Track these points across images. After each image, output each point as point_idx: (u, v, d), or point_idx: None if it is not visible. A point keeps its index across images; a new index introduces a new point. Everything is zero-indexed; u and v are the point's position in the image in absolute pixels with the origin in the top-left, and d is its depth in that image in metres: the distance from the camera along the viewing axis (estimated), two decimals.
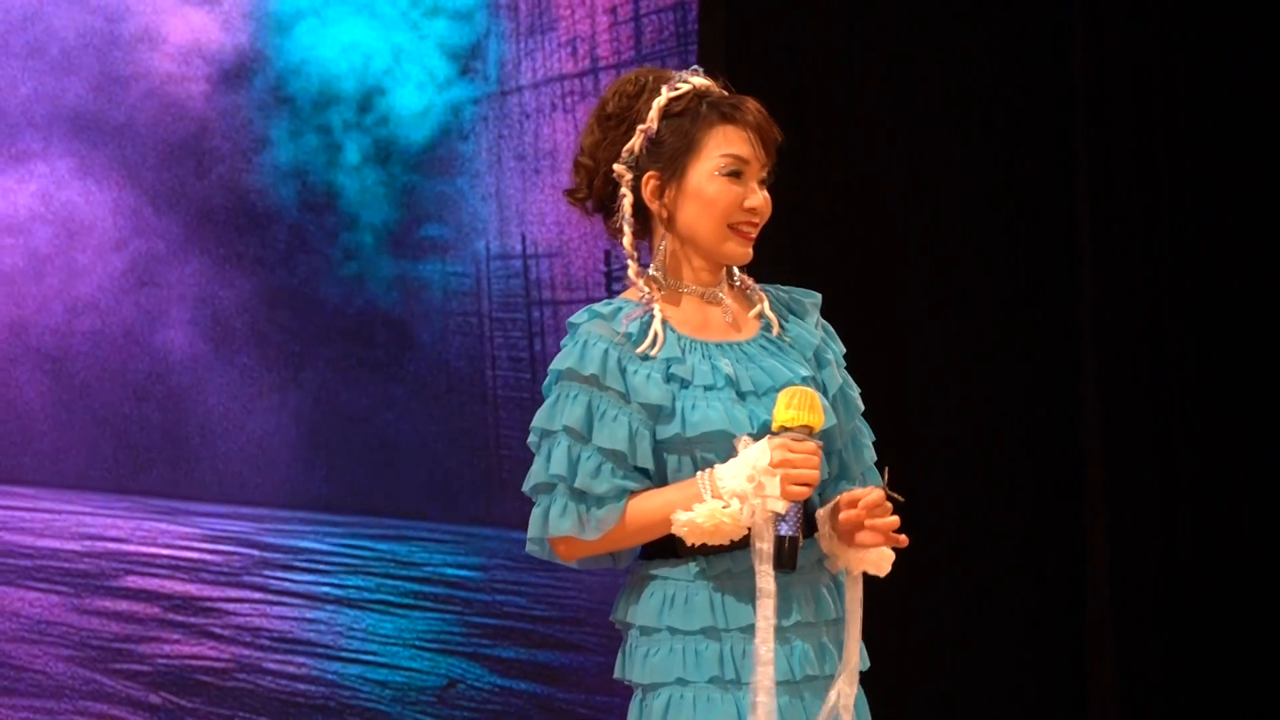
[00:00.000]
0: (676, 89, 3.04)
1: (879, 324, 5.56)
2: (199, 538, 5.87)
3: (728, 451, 2.91)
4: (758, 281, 3.15)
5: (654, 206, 3.04)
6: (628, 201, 3.04)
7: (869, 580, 3.00)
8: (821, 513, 2.98)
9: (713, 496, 2.87)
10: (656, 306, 3.01)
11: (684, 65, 5.89)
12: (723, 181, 3.02)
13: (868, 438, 3.14)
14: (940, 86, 5.73)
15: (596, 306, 3.02)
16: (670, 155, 3.02)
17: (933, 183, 5.73)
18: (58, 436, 5.83)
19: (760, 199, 3.04)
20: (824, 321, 3.18)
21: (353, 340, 5.94)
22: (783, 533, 2.86)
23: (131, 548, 5.82)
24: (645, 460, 2.93)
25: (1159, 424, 5.62)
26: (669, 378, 2.96)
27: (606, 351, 2.95)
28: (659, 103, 3.03)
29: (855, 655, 2.99)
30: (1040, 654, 5.68)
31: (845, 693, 2.96)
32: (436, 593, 5.86)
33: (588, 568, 3.07)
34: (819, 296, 3.19)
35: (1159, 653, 5.57)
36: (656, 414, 2.94)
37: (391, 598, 5.84)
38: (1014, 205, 5.75)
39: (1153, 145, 5.65)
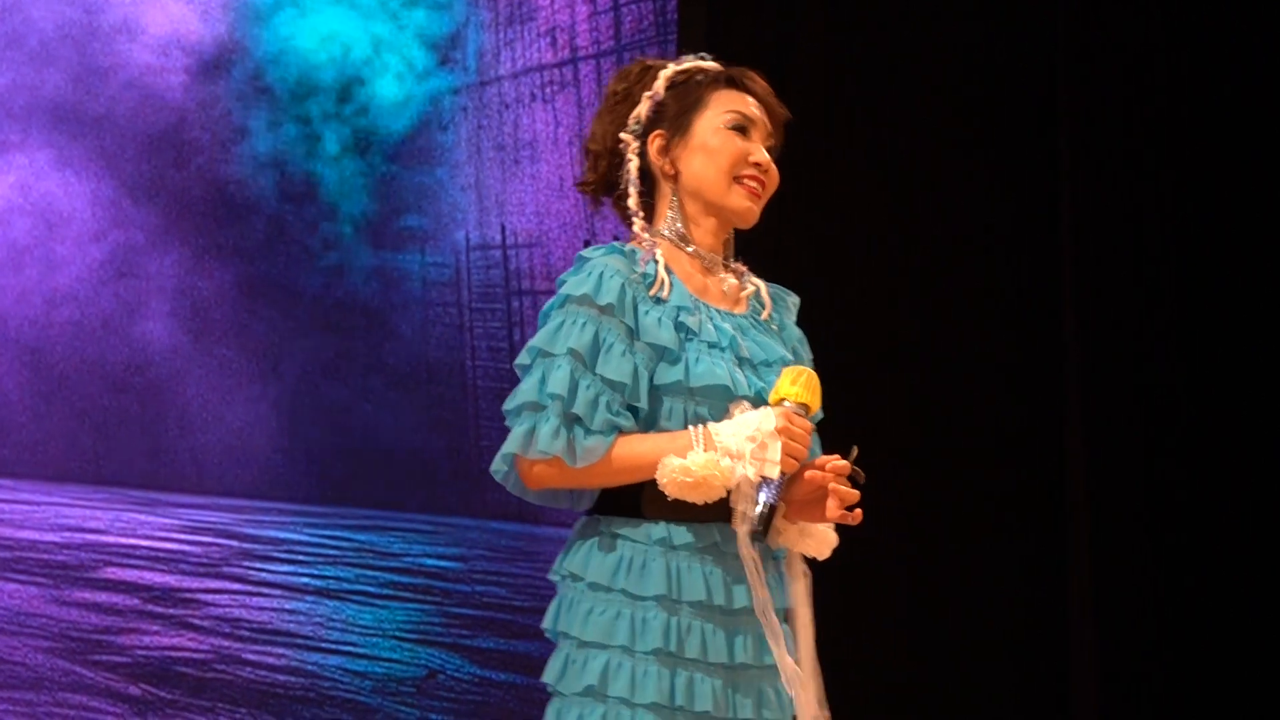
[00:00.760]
0: (682, 64, 3.09)
1: (863, 322, 5.57)
2: (178, 529, 5.86)
3: (722, 410, 2.92)
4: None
5: (660, 163, 3.05)
6: (633, 165, 3.04)
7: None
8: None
9: (706, 450, 2.87)
10: (659, 253, 3.01)
11: (664, 55, 5.90)
12: (728, 134, 3.04)
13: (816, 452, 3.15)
14: (925, 77, 5.73)
15: (611, 245, 3.01)
16: (676, 114, 3.05)
17: (916, 175, 5.73)
18: (36, 428, 5.82)
19: (766, 157, 3.06)
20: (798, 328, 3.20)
21: (332, 331, 5.93)
22: (768, 499, 2.87)
23: (110, 539, 5.81)
24: (642, 400, 2.92)
25: (1142, 428, 5.61)
26: (678, 325, 2.96)
27: (624, 286, 2.94)
28: (666, 73, 3.07)
29: (809, 658, 2.99)
30: (1024, 659, 5.67)
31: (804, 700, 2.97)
32: (416, 583, 5.85)
33: (545, 502, 3.03)
34: (799, 299, 3.21)
35: (1142, 660, 5.56)
36: (661, 356, 2.94)
37: (371, 588, 5.84)
38: (998, 199, 5.73)
39: (1137, 145, 5.65)
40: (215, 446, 5.87)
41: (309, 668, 5.71)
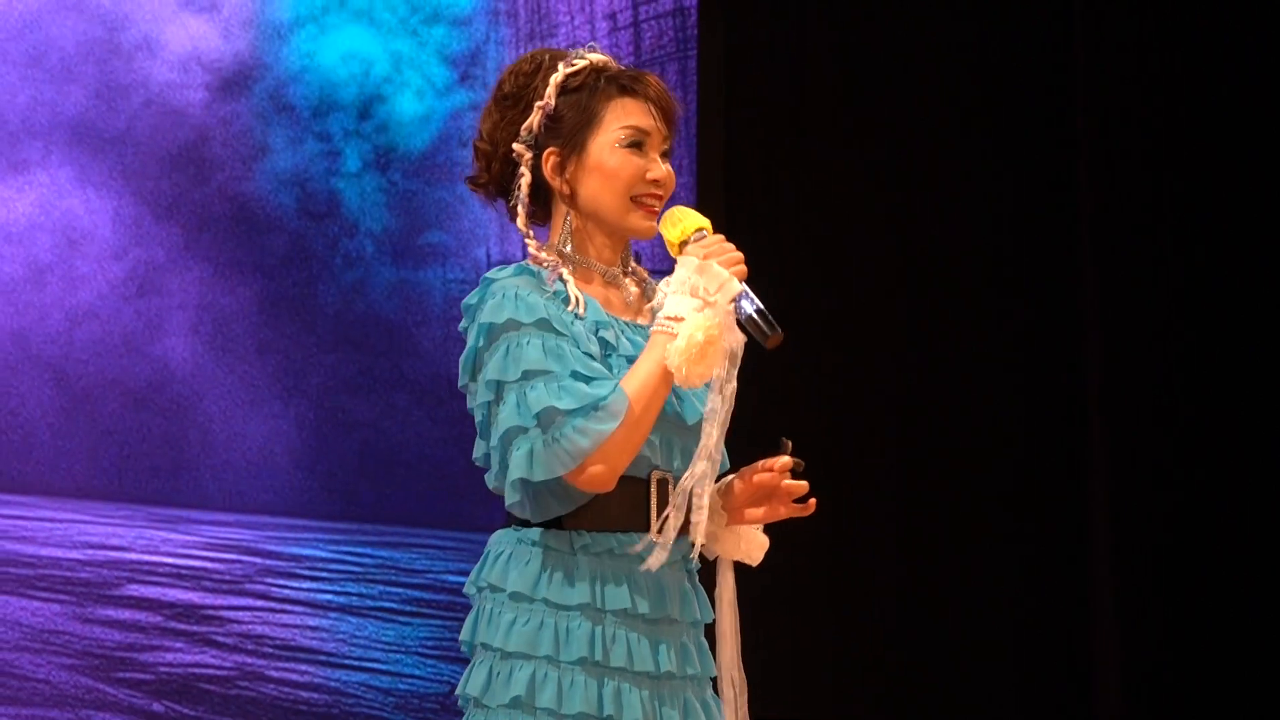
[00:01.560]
0: (573, 65, 2.99)
1: (883, 320, 5.58)
2: (200, 546, 5.86)
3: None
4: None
5: (555, 183, 2.99)
6: (525, 181, 2.98)
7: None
8: (712, 491, 2.95)
9: (679, 322, 2.82)
10: (565, 271, 2.96)
11: (685, 71, 5.92)
12: (624, 153, 2.97)
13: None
14: (941, 90, 5.74)
15: (511, 267, 2.96)
16: (570, 130, 2.97)
17: (935, 184, 5.75)
18: (58, 445, 5.82)
19: (663, 170, 2.99)
20: None
21: (354, 347, 5.93)
22: (752, 308, 2.85)
23: (133, 556, 5.81)
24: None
25: (1161, 426, 5.62)
26: (600, 341, 2.92)
27: (544, 303, 2.88)
28: (556, 79, 2.97)
29: (731, 663, 2.99)
30: (1043, 658, 5.68)
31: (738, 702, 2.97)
32: (439, 600, 5.85)
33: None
34: None
35: (1163, 659, 5.57)
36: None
37: (394, 605, 5.84)
38: (1017, 202, 5.77)
39: (1155, 144, 5.66)
40: (237, 463, 5.87)
41: (332, 684, 5.71)
